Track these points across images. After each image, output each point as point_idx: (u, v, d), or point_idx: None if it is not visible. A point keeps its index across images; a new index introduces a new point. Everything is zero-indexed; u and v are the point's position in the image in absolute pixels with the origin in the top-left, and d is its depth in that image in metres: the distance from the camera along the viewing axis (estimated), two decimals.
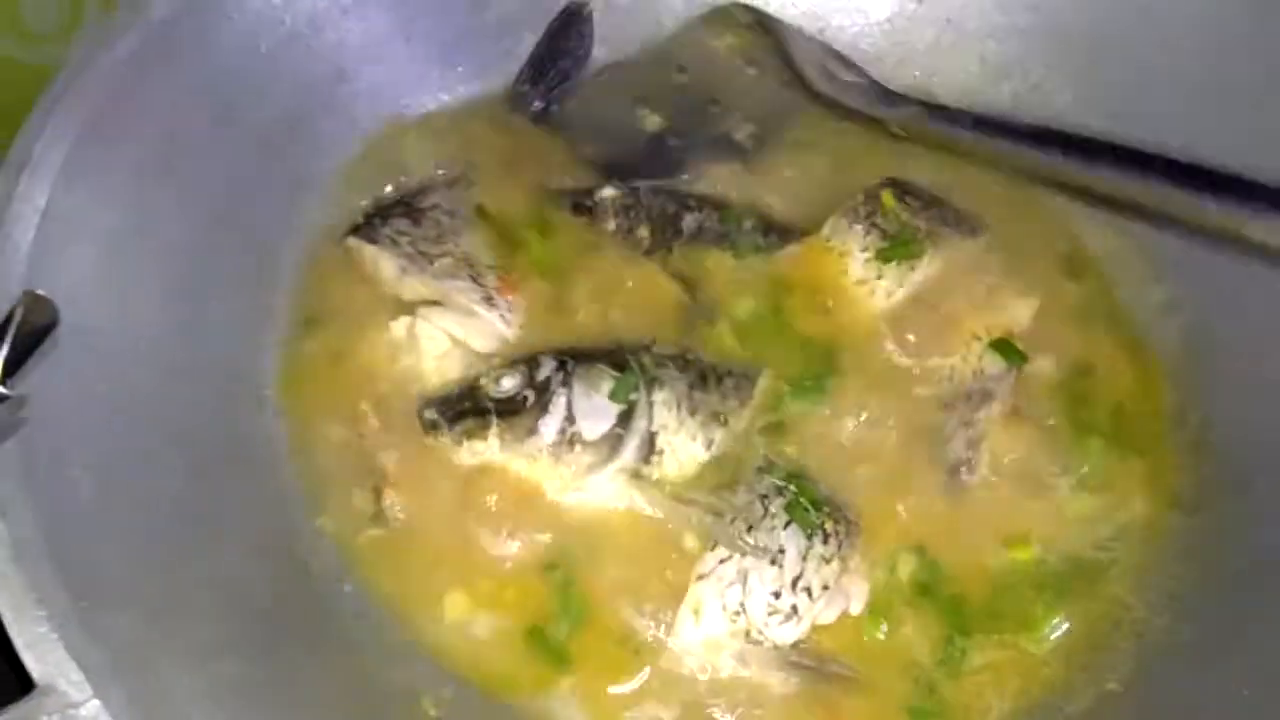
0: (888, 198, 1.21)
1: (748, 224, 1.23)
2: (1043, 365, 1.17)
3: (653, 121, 1.31)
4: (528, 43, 1.35)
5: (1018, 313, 1.18)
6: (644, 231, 1.21)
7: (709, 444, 1.06)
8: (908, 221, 1.20)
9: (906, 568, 1.05)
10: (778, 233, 1.23)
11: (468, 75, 1.33)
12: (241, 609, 0.93)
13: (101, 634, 0.77)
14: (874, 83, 1.26)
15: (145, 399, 0.97)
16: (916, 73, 1.39)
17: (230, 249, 1.12)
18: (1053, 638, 1.04)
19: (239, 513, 1.01)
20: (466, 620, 1.00)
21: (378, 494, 1.05)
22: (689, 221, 1.22)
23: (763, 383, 1.11)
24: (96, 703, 0.72)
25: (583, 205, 1.23)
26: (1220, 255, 1.13)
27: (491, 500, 1.04)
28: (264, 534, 1.02)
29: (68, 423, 0.88)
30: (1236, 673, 0.95)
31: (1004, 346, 1.15)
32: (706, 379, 1.08)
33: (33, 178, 0.92)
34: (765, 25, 1.33)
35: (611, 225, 1.21)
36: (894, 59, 1.39)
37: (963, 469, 1.10)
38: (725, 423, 1.06)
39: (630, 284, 1.17)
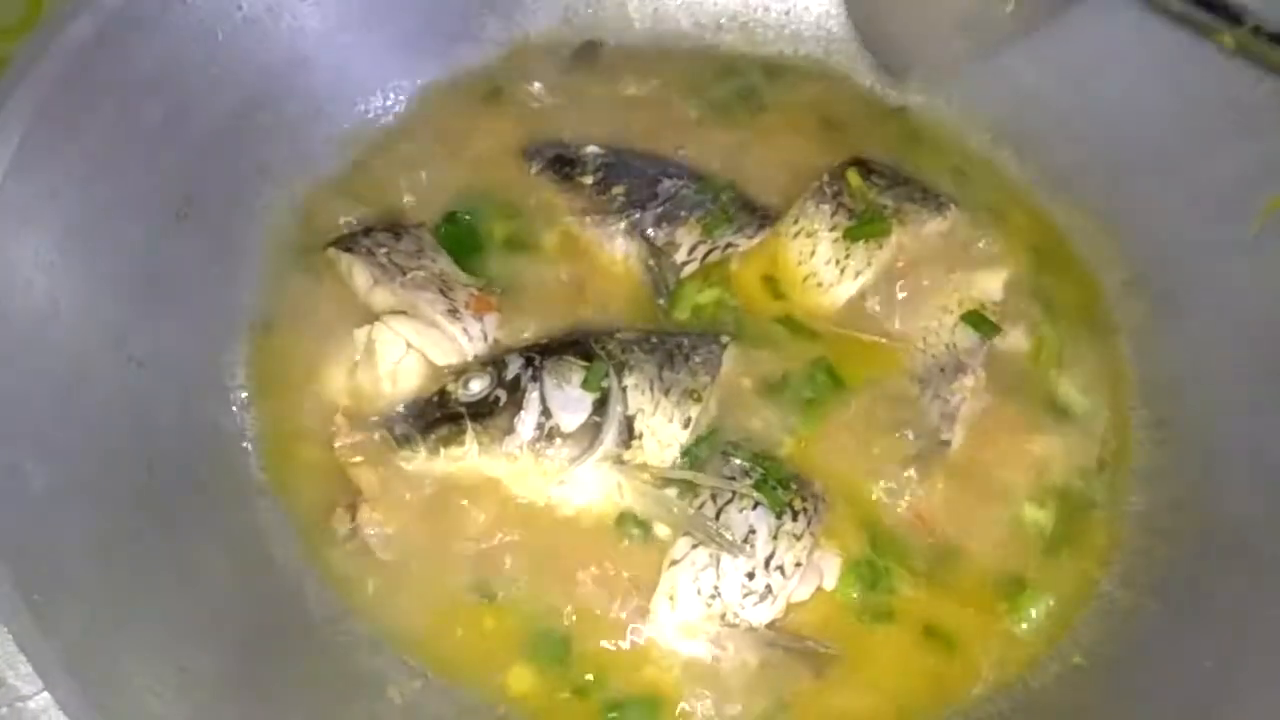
0: (853, 177, 1.21)
1: (724, 197, 1.21)
2: (1015, 336, 1.17)
3: None
4: (490, 28, 1.35)
5: (988, 285, 1.18)
6: (619, 190, 1.20)
7: (686, 422, 1.04)
8: (874, 200, 1.19)
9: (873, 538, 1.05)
10: (750, 210, 1.22)
11: (430, 60, 1.32)
12: (205, 602, 0.92)
13: (52, 627, 0.76)
14: None
15: (104, 389, 0.96)
16: None
17: (192, 242, 1.11)
18: (1035, 617, 1.04)
19: (202, 504, 0.99)
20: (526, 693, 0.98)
21: (352, 511, 1.02)
22: (666, 186, 1.21)
23: (729, 354, 1.10)
24: (46, 695, 0.71)
25: (565, 158, 1.23)
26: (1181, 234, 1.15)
27: (463, 510, 1.02)
28: (230, 528, 1.01)
29: (19, 411, 0.87)
30: (1198, 646, 0.95)
31: (976, 319, 1.15)
32: (674, 357, 1.07)
33: None
34: None
35: (589, 180, 1.21)
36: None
37: (939, 442, 1.09)
38: (699, 399, 1.05)
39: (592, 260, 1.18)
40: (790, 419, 1.09)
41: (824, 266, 1.18)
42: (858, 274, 1.17)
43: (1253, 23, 0.99)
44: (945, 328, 1.15)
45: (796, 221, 1.20)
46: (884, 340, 1.15)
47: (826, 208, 1.19)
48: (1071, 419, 1.15)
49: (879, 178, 1.22)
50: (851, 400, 1.11)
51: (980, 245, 1.21)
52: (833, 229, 1.18)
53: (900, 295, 1.18)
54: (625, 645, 0.99)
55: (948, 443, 1.09)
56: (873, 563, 1.02)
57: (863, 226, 1.17)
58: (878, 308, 1.17)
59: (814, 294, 1.18)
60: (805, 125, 1.33)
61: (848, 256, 1.17)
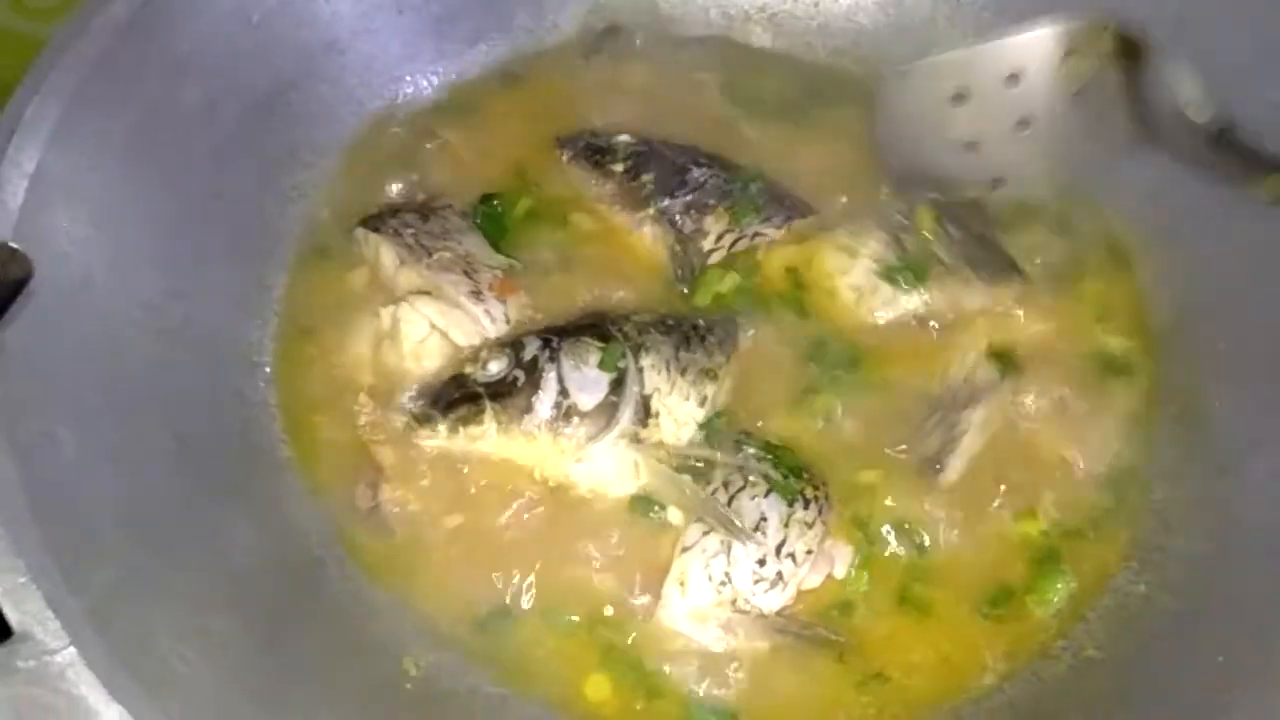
0: (925, 216, 1.18)
1: (754, 188, 1.22)
2: (1047, 382, 1.14)
3: (962, 127, 1.13)
4: (520, 17, 1.36)
5: (1027, 332, 1.16)
6: (648, 177, 1.21)
7: (703, 401, 1.06)
8: (933, 251, 1.16)
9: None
10: (779, 202, 1.22)
11: (462, 47, 1.34)
12: (228, 566, 0.94)
13: (80, 585, 0.77)
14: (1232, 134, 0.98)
15: (136, 360, 0.99)
16: (912, 47, 1.37)
17: (223, 220, 1.13)
18: (1058, 599, 1.04)
19: (228, 474, 1.02)
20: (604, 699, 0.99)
21: (374, 489, 1.04)
22: (695, 175, 1.21)
23: (745, 335, 1.12)
24: (73, 650, 0.73)
25: (596, 146, 1.24)
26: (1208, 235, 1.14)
27: (484, 490, 1.04)
28: (254, 496, 1.03)
29: (54, 380, 0.89)
30: (1213, 642, 0.94)
31: (1000, 357, 1.13)
32: (690, 339, 1.08)
33: (22, 141, 0.93)
34: (1132, 53, 1.05)
35: (620, 168, 1.22)
36: (890, 31, 1.39)
37: (934, 467, 1.07)
38: (716, 378, 1.07)
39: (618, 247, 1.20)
40: (803, 403, 1.09)
41: (848, 290, 1.16)
42: (873, 311, 1.15)
43: None
44: (968, 362, 1.13)
45: (850, 235, 1.18)
46: (896, 360, 1.14)
47: (882, 235, 1.16)
48: (1114, 370, 1.15)
49: (957, 229, 1.19)
50: (861, 403, 1.11)
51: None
52: (875, 259, 1.15)
53: (928, 325, 1.16)
54: (638, 631, 1.00)
55: (940, 470, 1.07)
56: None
57: (899, 270, 1.15)
58: (902, 331, 1.15)
59: (834, 303, 1.17)
60: (829, 120, 1.32)
61: (874, 292, 1.15)
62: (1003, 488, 1.08)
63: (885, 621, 1.02)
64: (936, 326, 1.16)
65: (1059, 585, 1.04)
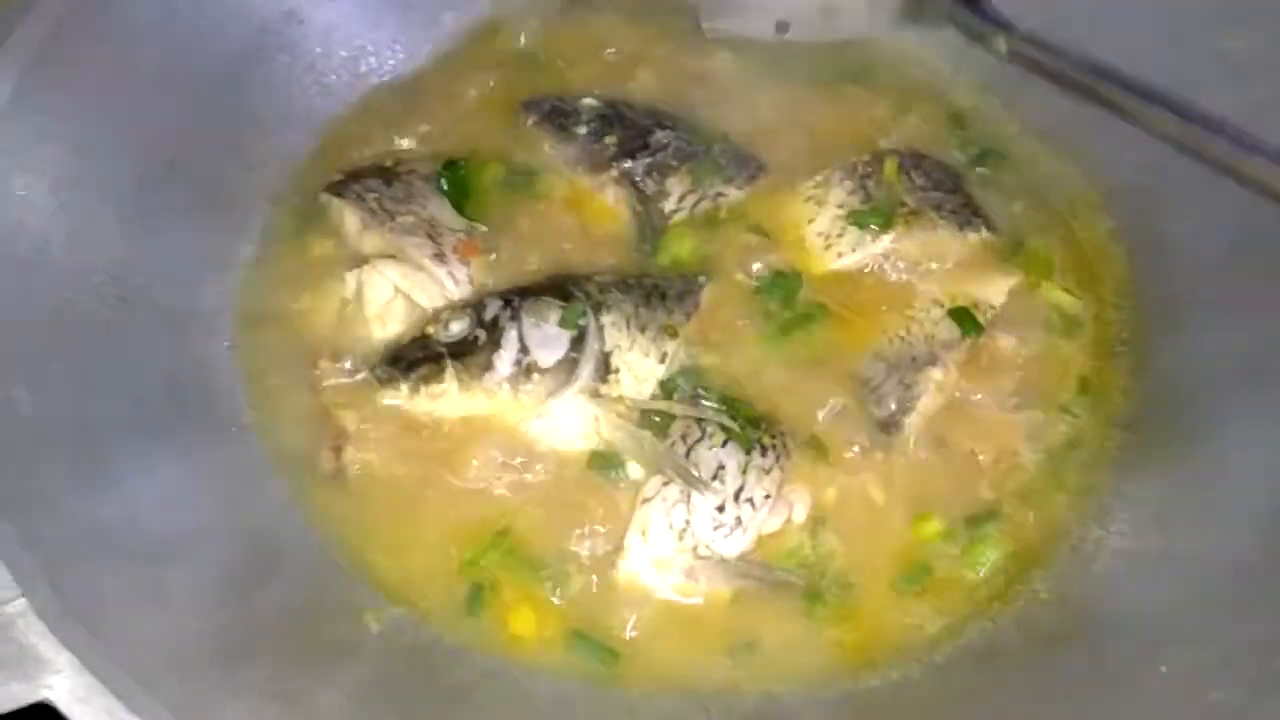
0: (890, 165, 1.20)
1: (716, 148, 1.23)
2: (1005, 343, 1.14)
3: None
4: None
5: (991, 291, 1.16)
6: (611, 139, 1.22)
7: (663, 357, 1.07)
8: (898, 196, 1.18)
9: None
10: (742, 162, 1.23)
11: (423, 15, 1.34)
12: (188, 526, 0.94)
13: (33, 539, 0.79)
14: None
15: (93, 327, 1.00)
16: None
17: (185, 189, 1.13)
18: (989, 564, 1.04)
19: (189, 441, 1.02)
20: (533, 635, 0.99)
21: (337, 451, 1.05)
22: (659, 137, 1.22)
23: (706, 293, 1.12)
24: (23, 600, 0.74)
25: (561, 110, 1.25)
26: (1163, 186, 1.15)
27: (447, 451, 1.05)
28: (216, 462, 1.03)
29: (11, 343, 0.90)
30: (1164, 582, 0.95)
31: (962, 315, 1.13)
32: (651, 296, 1.09)
33: None
34: None
35: (583, 130, 1.23)
36: None
37: (889, 428, 1.07)
38: (676, 335, 1.07)
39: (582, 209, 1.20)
40: (762, 354, 1.10)
41: (815, 236, 1.18)
42: (840, 255, 1.17)
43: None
44: (930, 319, 1.14)
45: (816, 186, 1.20)
46: (857, 316, 1.14)
47: (848, 184, 1.19)
48: (1071, 323, 1.16)
49: (922, 176, 1.21)
50: (820, 362, 1.11)
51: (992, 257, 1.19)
52: (841, 205, 1.18)
53: (891, 280, 1.17)
54: (601, 581, 1.01)
55: (900, 430, 1.07)
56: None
57: (866, 214, 1.16)
58: (865, 287, 1.16)
59: (799, 254, 1.18)
60: (795, 79, 1.32)
61: (840, 236, 1.17)
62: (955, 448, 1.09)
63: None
64: (902, 276, 1.16)
65: (990, 551, 1.04)
